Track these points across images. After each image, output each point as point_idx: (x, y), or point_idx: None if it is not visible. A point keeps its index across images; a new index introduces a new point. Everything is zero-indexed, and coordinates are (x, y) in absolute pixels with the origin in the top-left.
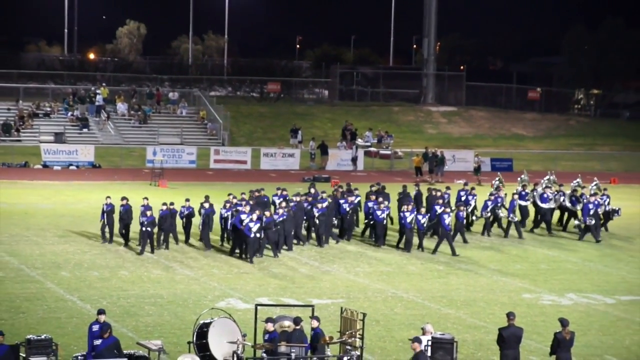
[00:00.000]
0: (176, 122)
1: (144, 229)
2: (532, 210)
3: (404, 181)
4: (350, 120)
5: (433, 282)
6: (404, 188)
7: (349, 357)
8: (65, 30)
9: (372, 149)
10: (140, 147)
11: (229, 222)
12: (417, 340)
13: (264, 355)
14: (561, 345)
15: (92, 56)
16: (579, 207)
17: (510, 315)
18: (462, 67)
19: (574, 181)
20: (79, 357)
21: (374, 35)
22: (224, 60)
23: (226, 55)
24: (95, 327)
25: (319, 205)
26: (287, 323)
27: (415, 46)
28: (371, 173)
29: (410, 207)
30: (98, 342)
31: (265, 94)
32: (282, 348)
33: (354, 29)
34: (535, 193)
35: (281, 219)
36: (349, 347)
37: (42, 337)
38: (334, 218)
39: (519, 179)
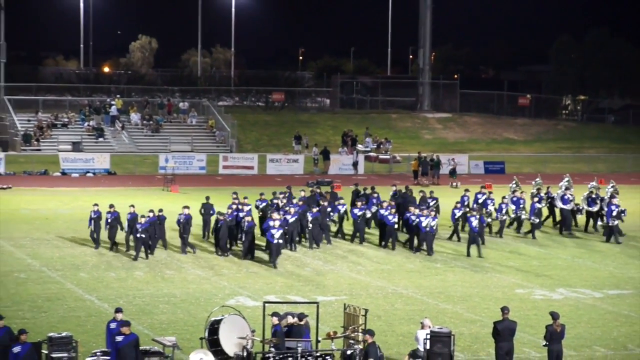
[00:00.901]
0: (186, 130)
1: (138, 235)
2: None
3: (403, 184)
4: (351, 127)
5: (431, 279)
6: (408, 191)
7: (352, 351)
8: (81, 45)
9: (371, 154)
10: (153, 154)
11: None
12: (368, 332)
13: (272, 349)
14: (553, 337)
15: (106, 69)
16: (595, 208)
17: (504, 310)
18: (455, 76)
19: (591, 183)
20: (98, 353)
21: (372, 46)
22: (231, 71)
23: (233, 67)
24: (113, 325)
25: (313, 210)
26: (292, 318)
27: (411, 56)
28: (371, 177)
29: (425, 212)
30: (120, 338)
31: (270, 103)
32: (289, 342)
33: (353, 41)
34: (556, 196)
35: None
36: (352, 341)
37: (63, 334)
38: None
39: (533, 182)
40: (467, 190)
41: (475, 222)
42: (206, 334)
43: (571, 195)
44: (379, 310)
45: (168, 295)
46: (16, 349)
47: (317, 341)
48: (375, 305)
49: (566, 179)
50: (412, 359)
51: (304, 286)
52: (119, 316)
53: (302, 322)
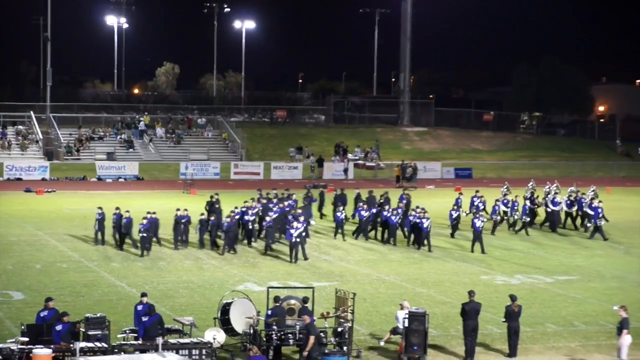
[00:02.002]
0: (203, 142)
1: (140, 234)
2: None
3: (386, 187)
4: (342, 139)
5: (409, 267)
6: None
7: (342, 328)
8: (115, 71)
9: (360, 161)
10: (175, 162)
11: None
12: (306, 312)
13: (275, 327)
14: (511, 316)
15: (136, 91)
16: (573, 209)
17: (470, 293)
18: (431, 96)
19: (570, 188)
20: (127, 331)
21: (361, 71)
22: (241, 92)
23: (243, 88)
24: (140, 307)
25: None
26: (293, 301)
27: (393, 79)
28: (359, 181)
29: (426, 215)
30: (145, 318)
31: (274, 119)
32: (289, 321)
33: (345, 66)
34: (547, 199)
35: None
36: (342, 320)
37: (98, 315)
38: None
39: (527, 186)
40: (461, 193)
41: (479, 223)
42: (219, 315)
43: (560, 198)
44: (365, 293)
45: (187, 282)
46: (58, 327)
47: (313, 320)
48: (362, 290)
49: (554, 185)
50: (393, 335)
51: (302, 273)
52: (144, 300)
53: (306, 304)
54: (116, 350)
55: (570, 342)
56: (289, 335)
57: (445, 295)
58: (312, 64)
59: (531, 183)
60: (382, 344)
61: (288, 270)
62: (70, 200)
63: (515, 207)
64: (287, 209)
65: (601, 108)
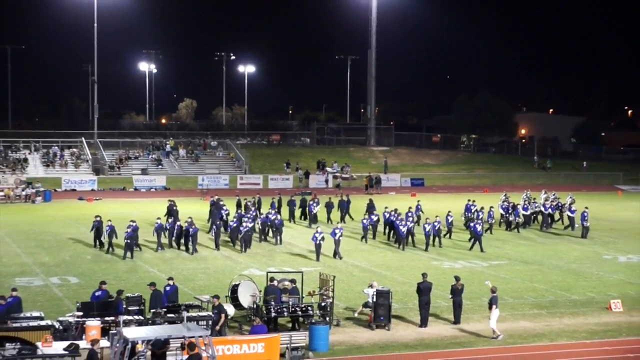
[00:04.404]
0: (216, 160)
1: (125, 241)
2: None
3: (358, 194)
4: (324, 157)
5: (377, 255)
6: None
7: (325, 303)
8: (147, 105)
9: (337, 174)
10: (194, 176)
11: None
12: (216, 297)
13: (272, 302)
14: (455, 292)
15: (163, 121)
16: (556, 212)
17: (424, 275)
18: (392, 122)
19: (551, 195)
20: (158, 307)
21: (337, 103)
22: (244, 121)
23: (246, 118)
24: (167, 288)
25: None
26: (287, 283)
27: (362, 110)
28: (337, 190)
29: (431, 221)
30: (168, 288)
31: (270, 141)
32: (284, 298)
33: (325, 99)
34: (539, 204)
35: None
36: (325, 297)
37: (136, 295)
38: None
39: (523, 196)
40: (469, 200)
41: (479, 228)
42: (229, 293)
43: (548, 203)
44: (343, 276)
45: (204, 268)
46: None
47: (302, 297)
48: (340, 273)
49: (544, 195)
50: (364, 308)
51: (293, 261)
52: (171, 282)
53: (295, 285)
54: (150, 322)
55: (501, 312)
56: (284, 309)
57: (404, 277)
58: (299, 98)
59: (526, 192)
60: (356, 315)
61: (282, 259)
62: (113, 206)
63: (510, 211)
64: (272, 216)
65: (523, 131)
